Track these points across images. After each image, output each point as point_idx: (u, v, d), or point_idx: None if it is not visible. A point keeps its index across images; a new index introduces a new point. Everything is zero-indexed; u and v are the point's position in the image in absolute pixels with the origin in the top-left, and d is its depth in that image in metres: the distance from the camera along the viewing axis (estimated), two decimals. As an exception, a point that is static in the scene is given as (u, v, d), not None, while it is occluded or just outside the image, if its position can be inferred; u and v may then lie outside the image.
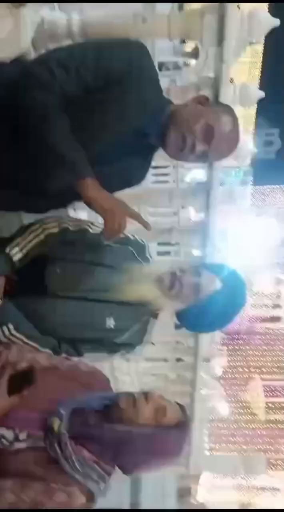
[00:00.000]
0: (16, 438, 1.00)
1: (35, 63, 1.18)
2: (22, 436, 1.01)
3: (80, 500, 1.02)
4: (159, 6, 2.03)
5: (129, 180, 1.42)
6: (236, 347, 14.92)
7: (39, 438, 1.01)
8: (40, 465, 1.00)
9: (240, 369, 14.74)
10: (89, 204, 1.14)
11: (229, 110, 1.28)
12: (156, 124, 1.25)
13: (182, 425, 1.11)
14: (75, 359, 1.33)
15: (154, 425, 1.08)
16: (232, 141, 1.30)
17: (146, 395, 1.11)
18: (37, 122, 1.11)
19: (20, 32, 1.09)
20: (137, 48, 1.20)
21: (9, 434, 1.00)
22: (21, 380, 1.03)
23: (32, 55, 1.48)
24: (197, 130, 1.23)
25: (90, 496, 1.04)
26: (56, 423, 1.01)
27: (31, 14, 1.01)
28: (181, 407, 1.15)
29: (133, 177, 1.42)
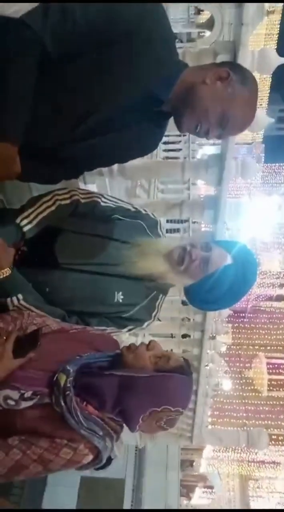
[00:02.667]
0: (22, 397, 1.01)
1: (33, 10, 1.04)
2: (28, 394, 1.02)
3: (86, 456, 1.04)
4: None
5: (142, 148, 1.37)
6: (242, 325, 15.01)
7: (45, 395, 1.02)
8: (46, 422, 1.01)
9: (245, 347, 14.86)
10: None
11: (248, 82, 1.20)
12: (169, 89, 1.18)
13: (183, 371, 1.11)
14: None
15: (154, 370, 1.09)
16: (248, 119, 1.25)
17: (149, 343, 1.13)
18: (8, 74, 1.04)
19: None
20: (151, 5, 1.10)
21: (14, 393, 1.01)
22: (27, 343, 1.06)
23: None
24: (212, 118, 1.18)
25: (97, 453, 1.05)
26: (62, 378, 1.03)
27: None
28: (184, 359, 1.16)
29: (146, 145, 1.37)
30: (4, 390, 1.02)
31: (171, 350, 3.87)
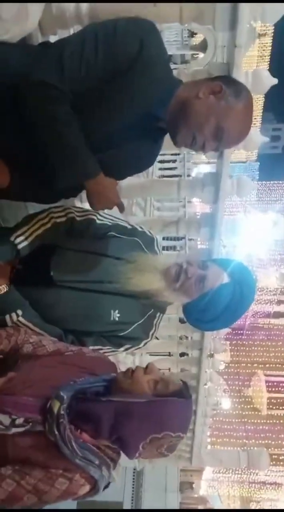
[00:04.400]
0: (13, 423, 0.98)
1: (46, 60, 1.12)
2: (19, 421, 0.98)
3: (83, 487, 1.00)
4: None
5: (139, 164, 1.39)
6: (240, 342, 14.91)
7: (38, 422, 0.99)
8: (40, 451, 0.98)
9: (243, 364, 14.73)
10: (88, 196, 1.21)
11: (242, 95, 1.22)
12: (165, 106, 1.21)
13: (182, 395, 1.07)
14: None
15: (152, 395, 1.06)
16: (243, 131, 1.26)
17: (146, 367, 1.10)
18: (46, 132, 1.11)
19: (27, 13, 1.05)
20: (147, 28, 1.14)
21: (5, 418, 0.98)
22: (6, 364, 1.04)
23: (39, 37, 1.44)
24: (207, 132, 1.19)
25: (94, 483, 1.01)
26: (56, 405, 0.99)
27: (39, -6, 0.97)
28: (182, 382, 1.12)
29: (143, 161, 1.39)
30: None
31: (169, 369, 3.82)
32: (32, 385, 1.05)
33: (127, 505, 5.65)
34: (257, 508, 13.43)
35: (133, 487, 5.85)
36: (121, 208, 1.27)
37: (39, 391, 1.04)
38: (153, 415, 1.02)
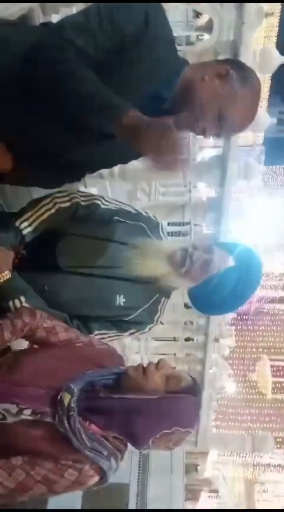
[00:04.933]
0: (21, 412, 0.99)
1: (50, 32, 1.11)
2: (27, 411, 0.99)
3: (92, 478, 1.01)
4: None
5: None
6: (245, 327, 14.94)
7: (47, 414, 1.00)
8: (49, 442, 0.99)
9: (248, 349, 14.79)
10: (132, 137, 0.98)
11: (249, 81, 1.17)
12: (171, 87, 1.17)
13: (193, 392, 1.08)
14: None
15: (164, 392, 1.06)
16: (247, 119, 1.22)
17: (157, 363, 1.10)
18: (63, 79, 1.03)
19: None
20: (153, 6, 1.11)
21: (12, 407, 0.99)
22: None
23: (40, 16, 1.41)
24: (209, 118, 1.16)
25: (102, 474, 1.02)
26: (66, 398, 1.00)
27: None
28: (192, 377, 1.13)
29: None
30: (3, 403, 1.00)
31: (175, 354, 3.84)
32: (41, 377, 1.05)
33: (133, 487, 5.75)
34: (261, 490, 13.63)
35: (139, 469, 5.94)
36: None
37: (48, 383, 1.04)
38: (165, 411, 1.03)
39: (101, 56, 1.08)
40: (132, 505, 5.67)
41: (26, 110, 1.13)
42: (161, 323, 1.48)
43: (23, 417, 1.00)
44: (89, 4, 1.12)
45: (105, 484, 1.05)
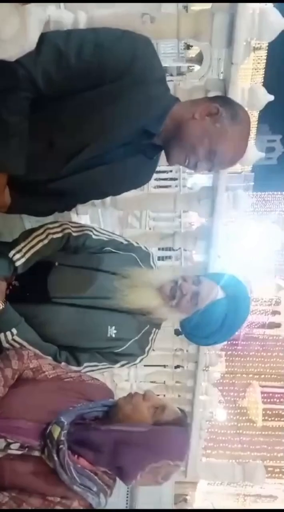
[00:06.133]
0: (8, 447, 0.97)
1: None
2: (15, 446, 0.98)
3: None
4: (163, 6, 1.98)
5: (135, 180, 1.38)
6: (235, 353, 14.87)
7: (35, 448, 0.98)
8: (37, 478, 0.96)
9: (239, 375, 14.68)
10: None
11: (239, 118, 1.20)
12: (160, 123, 1.20)
13: (181, 423, 1.07)
14: (78, 370, 1.29)
15: (152, 423, 1.05)
16: (238, 154, 1.25)
17: (144, 394, 1.09)
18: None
19: (26, 31, 1.04)
20: (142, 42, 1.12)
21: (0, 442, 0.97)
22: None
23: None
24: (200, 153, 1.19)
25: (90, 510, 1.00)
26: (56, 431, 0.98)
27: (38, 12, 0.96)
28: (181, 410, 1.12)
29: (139, 178, 1.38)
30: None
31: (164, 381, 3.80)
32: (30, 410, 1.03)
33: (121, 520, 5.57)
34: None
35: (126, 501, 5.77)
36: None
37: (37, 416, 1.03)
38: (153, 444, 1.02)
39: (83, 87, 1.08)
40: (119, 539, 5.48)
41: None
42: (152, 349, 1.47)
43: (10, 451, 0.98)
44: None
45: None
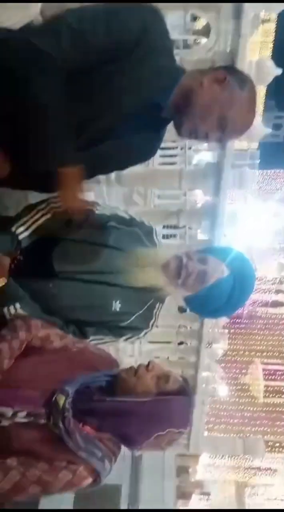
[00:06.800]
0: (15, 415, 1.00)
1: (42, 32, 1.09)
2: (21, 414, 1.01)
3: (86, 479, 1.02)
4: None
5: (142, 154, 1.38)
6: (238, 331, 14.98)
7: (41, 416, 1.01)
8: (44, 444, 1.00)
9: (241, 353, 14.82)
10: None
11: (247, 85, 1.20)
12: (169, 95, 1.19)
13: (184, 392, 1.10)
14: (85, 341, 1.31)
15: (156, 393, 1.07)
16: (247, 122, 1.25)
17: (147, 364, 1.11)
18: (35, 116, 1.06)
19: (29, -2, 1.02)
20: (151, 12, 1.11)
21: (7, 411, 1.00)
22: None
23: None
24: (211, 121, 1.18)
25: (96, 475, 1.03)
26: (61, 399, 1.01)
27: (42, -21, 0.95)
28: (183, 378, 1.15)
29: (145, 152, 1.37)
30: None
31: (168, 357, 3.85)
32: (36, 379, 1.06)
33: (125, 488, 5.75)
34: (251, 493, 13.66)
35: (131, 471, 5.95)
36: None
37: (43, 385, 1.05)
38: (158, 414, 1.05)
39: (91, 63, 1.08)
40: (123, 506, 5.68)
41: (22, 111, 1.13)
42: (156, 326, 1.49)
43: (17, 419, 1.01)
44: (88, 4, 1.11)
45: (98, 486, 1.06)
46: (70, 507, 5.16)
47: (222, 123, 1.19)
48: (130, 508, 5.67)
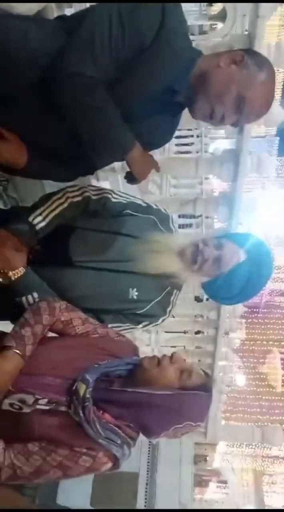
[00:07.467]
0: (36, 402, 1.02)
1: (77, 47, 1.08)
2: (43, 401, 1.02)
3: (105, 464, 1.04)
4: None
5: (159, 139, 1.36)
6: (255, 320, 14.87)
7: (62, 404, 1.02)
8: (64, 430, 1.01)
9: (258, 342, 14.74)
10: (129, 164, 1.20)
11: (265, 66, 1.17)
12: (185, 79, 1.17)
13: (206, 388, 1.10)
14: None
15: (178, 386, 1.07)
16: (265, 104, 1.21)
17: (171, 356, 1.11)
18: (84, 119, 1.10)
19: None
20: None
21: (29, 398, 1.01)
22: None
23: (54, 10, 1.40)
24: (228, 102, 1.15)
25: (115, 461, 1.05)
26: (82, 388, 1.02)
27: None
28: (205, 373, 1.14)
29: (162, 137, 1.36)
30: (19, 394, 1.02)
31: (184, 347, 3.85)
32: (57, 366, 1.07)
33: (142, 476, 5.82)
34: (269, 481, 13.68)
35: (148, 459, 6.00)
36: (157, 168, 1.31)
37: (64, 372, 1.06)
38: (179, 408, 1.05)
39: (121, 63, 1.09)
40: (141, 494, 5.74)
41: (40, 106, 1.14)
42: (172, 316, 1.49)
43: (38, 407, 1.02)
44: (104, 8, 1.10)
45: (117, 470, 1.08)
46: (89, 493, 5.25)
47: (240, 105, 1.16)
48: (147, 496, 5.73)
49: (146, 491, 5.83)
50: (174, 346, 3.94)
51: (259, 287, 1.38)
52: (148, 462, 6.01)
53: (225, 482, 13.71)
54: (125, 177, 1.29)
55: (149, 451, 6.07)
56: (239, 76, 1.14)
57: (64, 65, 1.06)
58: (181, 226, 5.44)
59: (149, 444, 5.94)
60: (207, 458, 12.71)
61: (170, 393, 1.05)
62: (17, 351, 1.04)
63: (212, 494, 13.28)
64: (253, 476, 13.98)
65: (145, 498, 5.78)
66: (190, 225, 5.70)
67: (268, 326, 15.12)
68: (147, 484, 5.88)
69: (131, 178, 1.26)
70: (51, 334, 1.21)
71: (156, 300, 1.39)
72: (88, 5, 1.23)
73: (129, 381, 1.10)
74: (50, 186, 1.55)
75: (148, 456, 6.09)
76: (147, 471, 5.98)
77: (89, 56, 1.05)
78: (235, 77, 1.14)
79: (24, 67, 1.10)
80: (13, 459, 1.00)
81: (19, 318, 1.15)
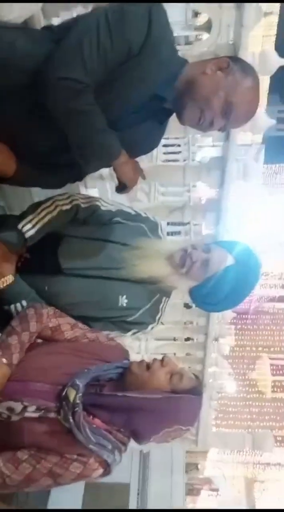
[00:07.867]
0: (25, 410, 1.01)
1: (65, 53, 1.09)
2: (31, 408, 1.01)
3: (96, 471, 1.03)
4: None
5: (145, 146, 1.37)
6: (244, 327, 14.94)
7: (51, 410, 1.01)
8: (54, 437, 1.00)
9: (248, 348, 14.80)
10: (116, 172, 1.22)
11: (250, 72, 1.20)
12: (172, 87, 1.18)
13: (196, 391, 1.10)
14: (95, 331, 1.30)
15: (169, 390, 1.07)
16: (251, 108, 1.24)
17: (162, 359, 1.11)
18: (71, 124, 1.10)
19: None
20: (155, 4, 1.11)
21: (17, 406, 1.00)
22: None
23: (41, 20, 1.41)
24: (216, 107, 1.17)
25: (106, 467, 1.04)
26: (72, 394, 1.01)
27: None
28: (196, 376, 1.14)
29: (148, 144, 1.37)
30: (7, 402, 1.01)
31: (175, 353, 3.85)
32: (45, 372, 1.06)
33: (134, 487, 5.76)
34: (261, 488, 13.66)
35: (139, 469, 5.95)
36: (143, 175, 1.31)
37: (52, 378, 1.05)
38: (169, 412, 1.05)
39: (112, 64, 1.10)
40: (132, 504, 5.68)
41: (29, 112, 1.14)
42: (162, 323, 1.49)
43: (27, 414, 1.01)
44: (90, 12, 1.12)
45: (108, 475, 1.07)
46: (79, 505, 5.18)
47: (227, 109, 1.18)
48: (139, 506, 5.68)
49: (137, 502, 5.77)
50: (164, 353, 3.94)
51: (245, 293, 1.38)
52: (139, 472, 5.96)
53: (216, 490, 13.64)
54: (116, 190, 1.30)
55: (140, 460, 6.02)
56: (225, 82, 1.17)
57: (52, 70, 1.06)
58: (170, 234, 5.45)
59: (140, 454, 5.89)
60: (199, 466, 12.65)
61: (160, 397, 1.05)
62: (4, 360, 1.03)
63: (204, 503, 13.20)
64: (245, 483, 13.94)
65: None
66: (178, 233, 5.71)
67: (258, 332, 15.20)
68: (138, 494, 5.81)
69: (121, 188, 1.27)
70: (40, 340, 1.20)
71: (145, 308, 1.39)
72: (74, 15, 1.24)
73: (120, 384, 1.10)
74: (38, 194, 1.55)
75: (139, 466, 6.03)
76: (138, 481, 5.92)
77: (78, 62, 1.06)
78: (222, 83, 1.17)
79: (12, 74, 1.10)
80: (2, 467, 0.98)
81: (6, 326, 1.14)
